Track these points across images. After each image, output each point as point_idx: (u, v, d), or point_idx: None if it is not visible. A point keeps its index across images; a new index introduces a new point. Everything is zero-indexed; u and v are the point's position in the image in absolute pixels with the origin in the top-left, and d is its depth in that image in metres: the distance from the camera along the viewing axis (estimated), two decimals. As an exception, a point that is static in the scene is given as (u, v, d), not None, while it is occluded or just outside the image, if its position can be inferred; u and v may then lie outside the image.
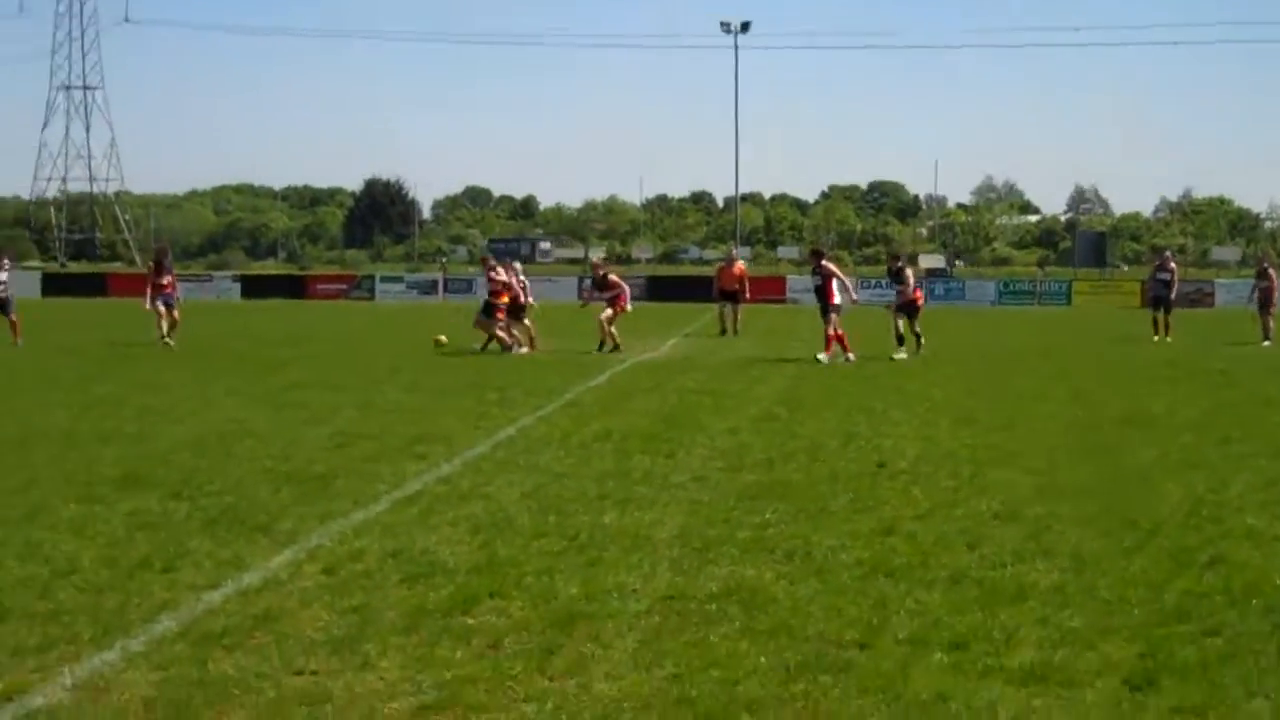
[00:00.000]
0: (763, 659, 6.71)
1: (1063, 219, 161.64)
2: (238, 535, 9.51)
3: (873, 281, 56.62)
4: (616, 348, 27.86)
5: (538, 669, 6.58)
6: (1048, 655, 6.78)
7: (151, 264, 31.72)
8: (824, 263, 26.85)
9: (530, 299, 29.31)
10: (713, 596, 7.89)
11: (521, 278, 29.11)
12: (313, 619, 7.42)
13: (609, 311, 28.53)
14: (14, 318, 29.41)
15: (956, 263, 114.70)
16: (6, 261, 30.63)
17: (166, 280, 29.95)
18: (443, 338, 28.86)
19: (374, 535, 9.52)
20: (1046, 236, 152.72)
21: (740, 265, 37.91)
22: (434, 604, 7.70)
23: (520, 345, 27.71)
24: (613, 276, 30.06)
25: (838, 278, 26.44)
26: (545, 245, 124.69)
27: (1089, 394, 19.66)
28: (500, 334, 27.56)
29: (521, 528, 9.82)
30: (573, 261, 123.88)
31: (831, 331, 25.52)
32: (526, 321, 28.65)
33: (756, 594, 7.92)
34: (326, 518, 10.13)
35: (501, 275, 28.41)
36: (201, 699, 6.13)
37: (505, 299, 27.95)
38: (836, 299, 25.95)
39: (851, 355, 25.35)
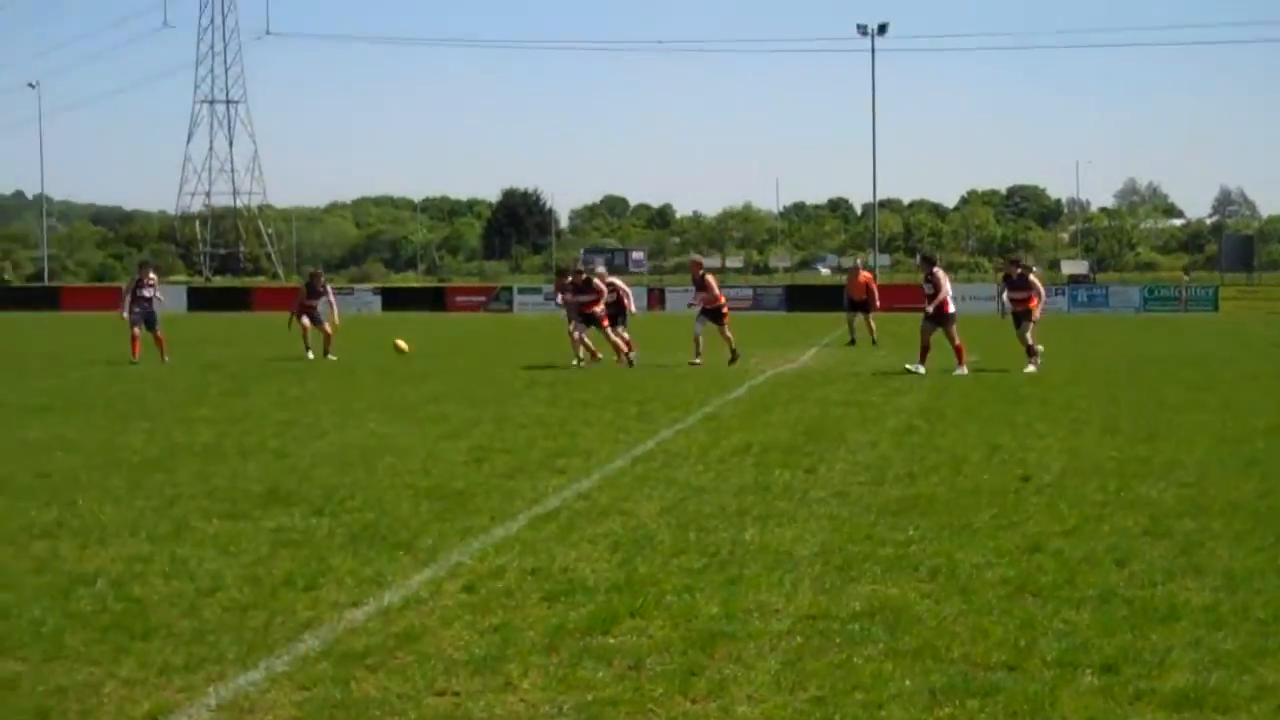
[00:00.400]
0: (907, 682, 6.58)
1: (1208, 222, 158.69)
2: (379, 552, 9.55)
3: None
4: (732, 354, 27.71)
5: (679, 690, 6.50)
6: (1202, 678, 6.57)
7: (304, 285, 32.38)
8: (935, 270, 25.96)
9: (631, 306, 29.06)
10: (855, 616, 7.77)
11: (611, 279, 28.91)
12: (454, 638, 7.41)
13: (722, 327, 28.03)
14: (159, 333, 29.81)
15: (1099, 269, 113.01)
16: (152, 275, 31.12)
17: (317, 302, 30.72)
18: (402, 343, 28.71)
19: (514, 552, 9.51)
20: (1192, 240, 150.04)
21: (865, 274, 37.50)
22: (574, 623, 7.66)
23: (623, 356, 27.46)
24: (710, 278, 28.89)
25: (945, 288, 25.55)
26: (638, 255, 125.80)
27: (1238, 404, 19.21)
28: (615, 339, 27.46)
29: (661, 544, 9.76)
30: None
31: (959, 342, 25.09)
32: (623, 330, 28.47)
33: (900, 613, 7.79)
34: (466, 534, 10.15)
35: (608, 279, 28.39)
36: (344, 720, 6.14)
37: (597, 307, 27.50)
38: (952, 307, 25.35)
39: (923, 368, 24.77)
